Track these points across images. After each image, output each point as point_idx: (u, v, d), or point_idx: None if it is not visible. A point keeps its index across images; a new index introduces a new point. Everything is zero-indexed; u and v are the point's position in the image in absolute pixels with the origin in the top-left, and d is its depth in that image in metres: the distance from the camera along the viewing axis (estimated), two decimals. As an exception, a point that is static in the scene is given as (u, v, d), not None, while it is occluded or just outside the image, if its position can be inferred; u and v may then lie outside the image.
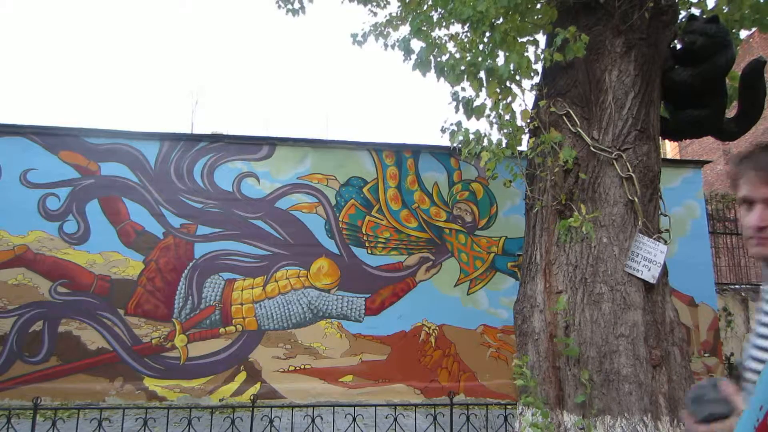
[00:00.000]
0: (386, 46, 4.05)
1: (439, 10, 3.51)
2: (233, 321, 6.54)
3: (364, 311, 6.73)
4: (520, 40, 3.77)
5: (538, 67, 3.81)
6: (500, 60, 3.57)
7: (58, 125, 6.83)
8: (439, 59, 3.68)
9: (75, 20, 35.67)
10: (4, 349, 6.12)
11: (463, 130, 3.73)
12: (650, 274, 3.12)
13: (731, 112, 4.00)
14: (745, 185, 1.11)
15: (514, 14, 3.54)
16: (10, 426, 3.80)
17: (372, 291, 6.80)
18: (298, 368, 6.49)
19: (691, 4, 4.16)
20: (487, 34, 3.41)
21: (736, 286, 9.18)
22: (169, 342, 6.39)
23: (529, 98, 3.81)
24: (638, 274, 3.13)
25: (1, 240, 6.33)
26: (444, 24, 3.80)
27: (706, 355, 7.32)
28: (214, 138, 7.15)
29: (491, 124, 3.77)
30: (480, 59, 3.49)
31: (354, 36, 4.35)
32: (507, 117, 3.71)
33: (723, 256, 10.04)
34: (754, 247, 1.13)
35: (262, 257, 6.72)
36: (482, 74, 3.55)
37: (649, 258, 3.14)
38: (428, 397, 6.58)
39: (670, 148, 16.09)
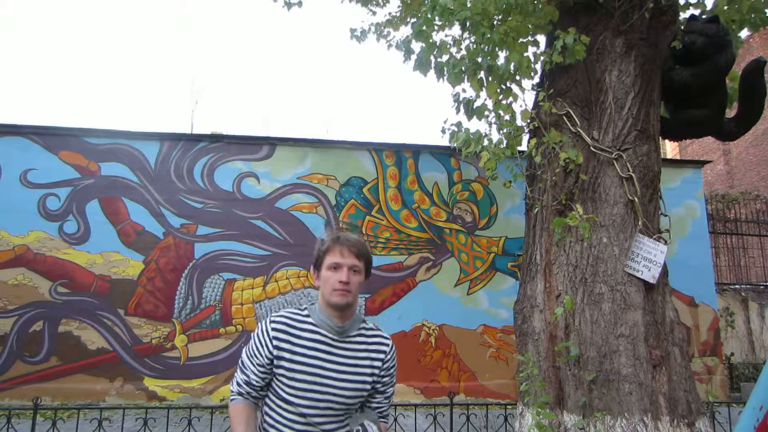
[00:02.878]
0: (389, 45, 4.04)
1: (438, 10, 3.50)
2: (233, 321, 6.55)
3: (364, 311, 6.73)
4: (520, 40, 3.76)
5: (538, 66, 3.81)
6: (500, 60, 3.57)
7: (58, 125, 6.83)
8: (439, 59, 3.68)
9: (75, 20, 35.67)
10: (4, 349, 6.12)
11: (463, 131, 3.73)
12: (650, 274, 3.11)
13: (731, 112, 4.00)
14: (334, 256, 1.63)
15: (515, 14, 3.53)
16: (10, 426, 3.80)
17: (372, 291, 6.80)
18: (298, 368, 6.49)
19: (691, 5, 4.15)
20: (487, 35, 3.41)
21: (736, 286, 9.18)
22: (169, 342, 6.39)
23: (529, 98, 3.82)
24: (638, 274, 3.12)
25: (1, 240, 6.33)
26: (445, 25, 3.80)
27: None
28: (214, 138, 7.15)
29: (491, 124, 3.77)
30: (480, 59, 3.49)
31: (353, 31, 4.33)
32: (507, 117, 3.71)
33: (723, 256, 10.04)
34: (338, 297, 1.60)
35: (262, 257, 6.72)
36: (482, 74, 3.55)
37: (649, 258, 3.14)
38: (428, 397, 6.58)
39: (670, 148, 16.09)
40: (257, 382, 1.63)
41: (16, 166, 6.49)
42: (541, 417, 2.93)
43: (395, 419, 4.15)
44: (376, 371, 1.67)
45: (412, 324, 6.82)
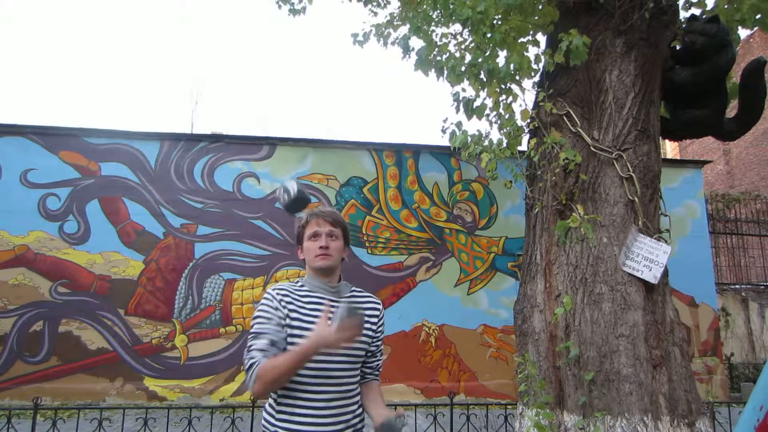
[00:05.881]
0: (386, 44, 4.05)
1: (439, 9, 3.51)
2: (233, 321, 6.54)
3: (364, 311, 6.72)
4: (520, 40, 3.76)
5: (539, 66, 3.81)
6: (500, 60, 3.57)
7: (58, 125, 6.83)
8: (439, 59, 3.68)
9: (75, 20, 35.68)
10: (4, 349, 6.12)
11: (462, 132, 3.73)
12: (651, 274, 3.11)
13: (731, 112, 4.00)
14: (312, 227, 1.81)
15: (515, 14, 3.53)
16: (10, 426, 3.80)
17: (372, 291, 6.77)
18: (298, 368, 6.49)
19: (692, 4, 4.15)
20: (488, 34, 3.41)
21: (736, 286, 9.18)
22: (169, 342, 6.39)
23: (530, 98, 3.81)
24: (638, 274, 3.12)
25: (1, 240, 6.33)
26: (444, 23, 3.80)
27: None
28: (214, 138, 7.15)
29: (491, 123, 3.77)
30: (480, 59, 3.49)
31: (354, 36, 4.35)
32: (507, 117, 3.70)
33: (723, 256, 10.03)
34: (320, 261, 1.76)
35: (262, 257, 6.72)
36: (482, 74, 3.55)
37: (650, 258, 3.13)
38: (428, 397, 6.58)
39: (670, 148, 16.09)
40: (281, 343, 1.66)
41: (16, 166, 6.49)
42: (540, 417, 2.93)
43: (395, 419, 4.14)
44: (372, 328, 1.83)
45: (412, 324, 6.82)
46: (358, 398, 1.79)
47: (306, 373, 1.66)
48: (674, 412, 2.92)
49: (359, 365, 1.80)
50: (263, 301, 1.74)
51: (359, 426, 1.78)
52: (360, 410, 1.80)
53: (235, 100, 33.96)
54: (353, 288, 1.91)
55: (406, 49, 3.79)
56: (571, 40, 3.16)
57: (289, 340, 1.67)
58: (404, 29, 4.32)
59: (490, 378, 6.80)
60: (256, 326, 1.70)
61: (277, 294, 1.74)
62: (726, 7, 3.94)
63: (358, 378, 1.82)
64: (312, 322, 1.68)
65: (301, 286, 1.81)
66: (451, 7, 3.38)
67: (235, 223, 6.74)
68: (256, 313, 1.73)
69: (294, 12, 5.13)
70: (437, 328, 6.85)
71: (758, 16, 3.90)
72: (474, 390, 6.75)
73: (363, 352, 1.79)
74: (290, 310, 1.70)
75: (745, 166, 14.72)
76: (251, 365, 1.61)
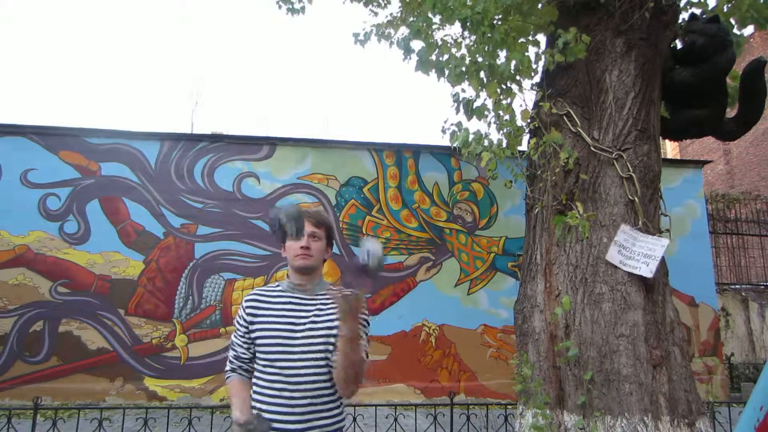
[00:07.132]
0: (391, 44, 4.05)
1: (438, 12, 3.51)
2: (233, 321, 6.54)
3: (364, 311, 6.72)
4: (520, 40, 3.77)
5: (539, 66, 3.81)
6: (500, 60, 3.57)
7: (58, 125, 6.82)
8: (439, 60, 3.68)
9: (75, 20, 35.69)
10: (4, 349, 6.11)
11: (463, 131, 3.73)
12: (648, 269, 3.10)
13: (731, 112, 4.00)
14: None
15: (514, 14, 3.54)
16: (10, 426, 3.80)
17: (372, 291, 6.80)
18: (298, 368, 6.48)
19: (692, 4, 4.15)
20: (488, 34, 3.41)
21: (736, 286, 9.17)
22: (169, 342, 6.39)
23: (530, 98, 3.81)
24: (636, 271, 3.11)
25: (1, 240, 6.33)
26: (444, 24, 3.80)
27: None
28: (214, 138, 7.15)
29: (490, 124, 3.78)
30: (480, 58, 3.49)
31: (356, 35, 4.35)
32: (507, 117, 3.71)
33: (723, 256, 10.03)
34: (300, 260, 1.82)
35: (263, 257, 6.72)
36: (482, 74, 3.55)
37: (648, 254, 3.12)
38: (428, 397, 6.57)
39: (670, 148, 16.09)
40: (243, 354, 1.85)
41: (16, 166, 6.48)
42: (539, 417, 2.93)
43: (395, 419, 4.15)
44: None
45: (412, 324, 6.81)
46: (332, 400, 1.79)
47: (269, 371, 1.76)
48: (674, 412, 2.92)
49: (327, 365, 1.78)
50: (238, 311, 1.90)
51: (334, 428, 1.79)
52: (338, 413, 1.82)
53: (235, 100, 33.99)
54: (331, 286, 1.92)
55: (408, 51, 3.79)
56: (567, 37, 3.16)
57: (258, 342, 1.80)
58: (405, 29, 4.32)
59: (491, 378, 6.80)
60: (233, 335, 1.92)
61: (245, 302, 1.88)
62: (729, 7, 3.93)
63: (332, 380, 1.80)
64: (280, 320, 1.79)
65: (277, 286, 1.91)
66: (451, 6, 3.38)
67: (235, 223, 6.74)
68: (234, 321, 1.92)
69: (293, 11, 5.13)
70: (437, 328, 6.85)
71: (755, 14, 3.91)
72: (474, 390, 6.74)
73: (324, 348, 1.77)
74: (254, 316, 1.83)
75: (745, 166, 14.72)
76: (226, 373, 1.90)
